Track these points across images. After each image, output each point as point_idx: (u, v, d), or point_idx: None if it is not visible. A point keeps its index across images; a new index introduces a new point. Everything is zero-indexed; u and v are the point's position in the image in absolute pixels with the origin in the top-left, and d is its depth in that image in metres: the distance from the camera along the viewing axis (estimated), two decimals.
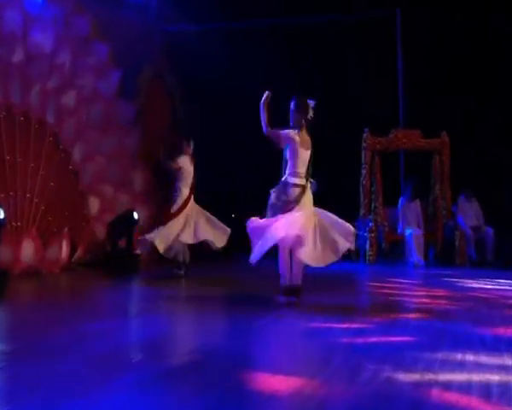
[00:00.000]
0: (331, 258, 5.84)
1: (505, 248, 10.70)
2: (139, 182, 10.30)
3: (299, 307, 5.83)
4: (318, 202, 6.09)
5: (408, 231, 10.86)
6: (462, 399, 3.00)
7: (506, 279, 8.42)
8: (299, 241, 5.70)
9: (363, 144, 11.27)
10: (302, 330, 4.97)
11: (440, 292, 7.33)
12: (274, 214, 5.87)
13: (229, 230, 8.36)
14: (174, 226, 8.20)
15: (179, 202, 8.30)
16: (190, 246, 8.46)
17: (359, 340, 4.42)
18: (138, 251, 8.95)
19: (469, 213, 11.02)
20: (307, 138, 6.01)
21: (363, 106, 11.40)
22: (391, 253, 11.28)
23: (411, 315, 5.87)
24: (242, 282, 8.20)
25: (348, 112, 11.45)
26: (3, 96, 8.38)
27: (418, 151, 11.29)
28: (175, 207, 8.29)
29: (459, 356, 3.85)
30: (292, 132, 5.93)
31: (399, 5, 11.87)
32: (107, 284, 8.14)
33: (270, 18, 12.11)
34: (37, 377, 3.33)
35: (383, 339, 4.46)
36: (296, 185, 5.90)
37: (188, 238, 8.24)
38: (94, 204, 9.68)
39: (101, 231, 9.56)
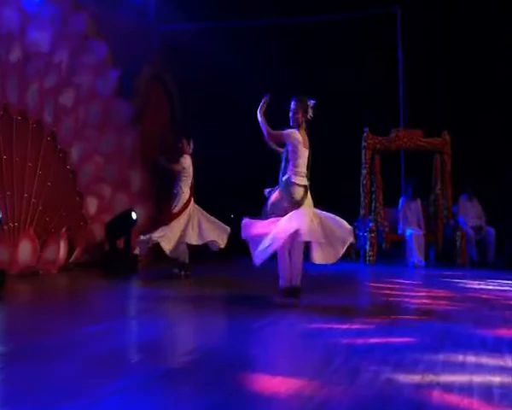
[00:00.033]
0: (339, 252, 5.84)
1: (507, 249, 10.72)
2: (138, 182, 10.24)
3: (299, 307, 5.83)
4: (318, 202, 6.07)
5: (408, 232, 10.81)
6: (463, 401, 2.99)
7: (507, 280, 8.42)
8: (298, 234, 5.66)
9: (364, 144, 11.21)
10: (302, 330, 4.97)
11: (441, 293, 7.32)
12: (275, 214, 5.83)
13: (228, 229, 8.36)
14: (177, 226, 8.22)
15: (181, 202, 8.32)
16: (190, 246, 8.44)
17: (359, 341, 4.43)
18: (137, 251, 8.90)
19: (471, 213, 11.00)
20: (306, 138, 6.04)
21: (363, 105, 11.35)
22: (391, 253, 11.26)
23: (412, 316, 5.86)
24: (241, 282, 8.21)
25: (348, 111, 11.40)
26: (0, 96, 8.33)
27: (419, 151, 11.23)
28: (177, 208, 8.29)
29: (460, 357, 3.85)
30: (295, 132, 5.93)
31: (400, 3, 11.81)
32: (106, 284, 8.11)
33: (269, 17, 12.08)
34: (34, 379, 3.31)
35: (383, 340, 4.46)
36: (300, 185, 5.91)
37: (194, 239, 8.26)
38: (92, 204, 9.61)
39: (99, 232, 9.50)
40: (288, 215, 5.74)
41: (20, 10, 8.64)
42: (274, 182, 6.16)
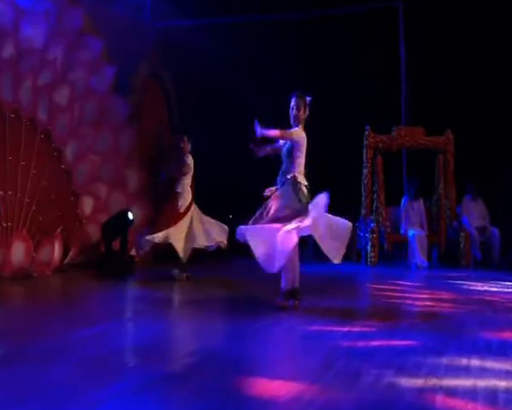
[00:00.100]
0: (343, 250, 5.73)
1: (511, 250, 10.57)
2: (134, 181, 10.14)
3: (300, 309, 5.79)
4: None
5: (411, 232, 10.70)
6: (467, 405, 2.96)
7: None
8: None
9: (365, 142, 11.11)
10: (302, 333, 4.96)
11: (444, 295, 7.29)
12: (280, 216, 5.67)
13: (227, 228, 8.29)
14: (184, 226, 8.16)
15: (185, 201, 8.24)
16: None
17: (360, 344, 4.42)
18: (133, 252, 8.81)
19: (474, 214, 10.92)
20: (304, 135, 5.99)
21: (364, 102, 11.27)
22: (393, 254, 11.18)
23: (414, 319, 5.84)
24: (240, 283, 8.20)
25: (349, 109, 11.31)
26: None
27: (421, 149, 11.13)
28: (182, 207, 8.20)
29: (464, 361, 3.83)
30: (301, 130, 5.87)
31: None
32: (102, 286, 8.05)
33: (268, 13, 11.99)
34: (28, 382, 3.30)
35: (385, 343, 4.44)
36: (306, 187, 5.83)
37: (202, 241, 8.19)
38: (87, 204, 9.54)
39: (94, 232, 9.39)
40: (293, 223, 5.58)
41: (13, 5, 8.50)
42: (269, 179, 6.03)
